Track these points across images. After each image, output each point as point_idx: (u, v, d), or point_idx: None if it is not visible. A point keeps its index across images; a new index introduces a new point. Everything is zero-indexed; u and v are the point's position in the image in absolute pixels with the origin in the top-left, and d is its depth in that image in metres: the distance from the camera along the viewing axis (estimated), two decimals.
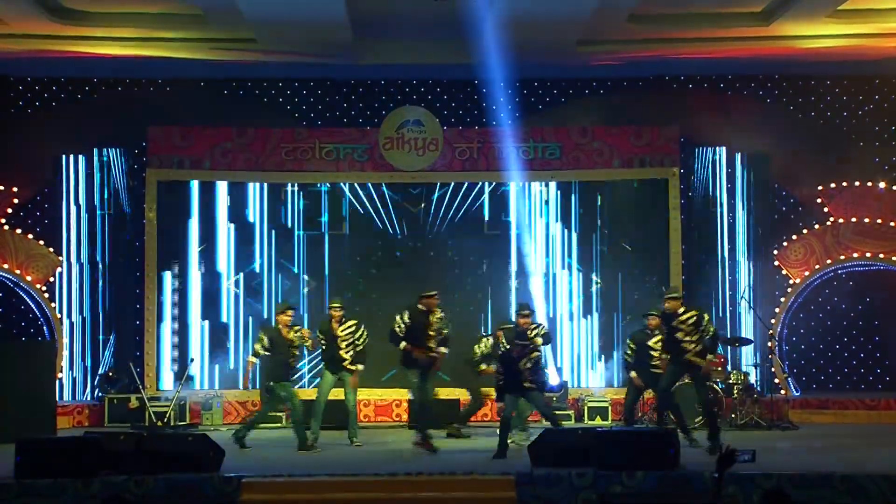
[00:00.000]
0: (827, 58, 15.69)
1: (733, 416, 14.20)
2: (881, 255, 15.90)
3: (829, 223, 16.13)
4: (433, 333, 12.47)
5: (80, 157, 16.06)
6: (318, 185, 16.15)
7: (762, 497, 6.97)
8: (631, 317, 15.29)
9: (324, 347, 13.03)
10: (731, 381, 14.42)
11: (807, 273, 16.05)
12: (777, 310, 16.02)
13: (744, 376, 14.44)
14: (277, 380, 12.64)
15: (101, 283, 16.11)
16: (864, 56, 15.64)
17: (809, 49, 15.29)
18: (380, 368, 14.77)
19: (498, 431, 11.95)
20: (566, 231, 16.11)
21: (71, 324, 15.90)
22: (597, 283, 15.94)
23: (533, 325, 12.49)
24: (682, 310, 12.19)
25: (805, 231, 16.24)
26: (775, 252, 16.13)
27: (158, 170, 16.05)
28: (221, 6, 13.54)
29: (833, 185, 16.17)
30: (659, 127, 16.22)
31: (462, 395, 14.95)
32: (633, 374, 13.26)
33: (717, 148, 16.39)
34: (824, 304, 16.70)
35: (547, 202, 16.15)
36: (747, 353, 15.54)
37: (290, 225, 16.11)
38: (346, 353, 12.98)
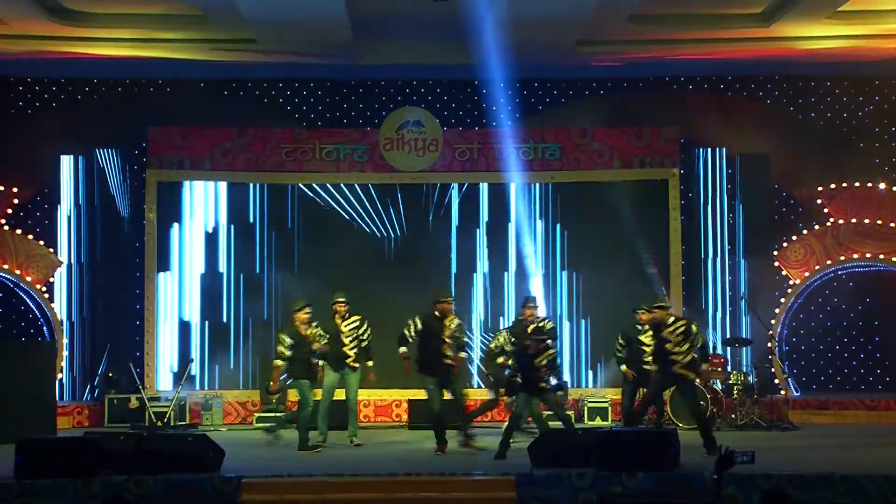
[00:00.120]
0: (827, 59, 15.70)
1: (733, 416, 14.20)
2: (881, 256, 15.89)
3: (829, 224, 16.13)
4: (448, 340, 12.22)
5: (80, 157, 16.05)
6: (317, 185, 16.17)
7: (762, 497, 6.97)
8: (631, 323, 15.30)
9: (326, 344, 13.03)
10: (731, 382, 14.43)
11: (807, 274, 16.05)
12: (777, 310, 16.02)
13: (744, 377, 14.44)
14: (300, 377, 12.63)
15: (100, 283, 16.10)
16: (864, 57, 15.65)
17: (809, 50, 15.29)
18: (378, 369, 14.73)
19: (503, 429, 11.93)
20: (566, 231, 16.09)
21: (71, 324, 15.89)
22: (596, 282, 15.93)
23: (539, 319, 12.48)
24: (671, 320, 12.20)
25: (805, 232, 16.24)
26: (775, 252, 16.13)
27: (158, 170, 16.05)
28: (221, 7, 13.54)
29: (833, 185, 16.18)
30: (659, 128, 16.21)
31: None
32: (624, 367, 13.26)
33: (718, 148, 16.40)
34: (824, 305, 16.71)
35: (546, 202, 16.14)
36: (748, 354, 15.51)
37: (289, 225, 16.11)
38: (349, 349, 12.96)
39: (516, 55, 15.23)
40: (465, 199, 16.16)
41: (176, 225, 16.07)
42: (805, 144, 16.58)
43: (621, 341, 13.38)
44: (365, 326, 13.14)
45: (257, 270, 16.01)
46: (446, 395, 12.29)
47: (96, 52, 15.26)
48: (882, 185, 16.18)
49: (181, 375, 15.24)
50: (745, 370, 14.87)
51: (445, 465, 10.99)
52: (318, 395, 12.90)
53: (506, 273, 16.05)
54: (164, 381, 15.79)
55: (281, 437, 12.87)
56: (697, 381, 12.42)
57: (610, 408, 15.03)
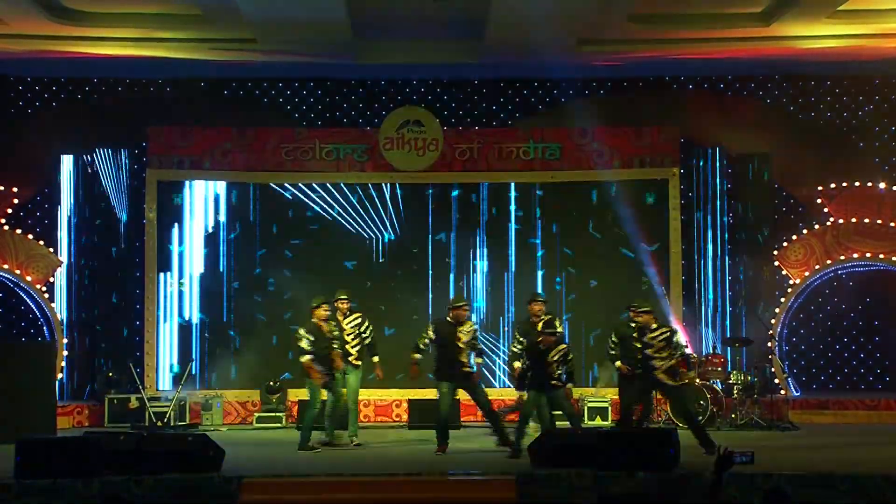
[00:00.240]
0: (827, 58, 15.70)
1: (733, 416, 14.20)
2: (881, 256, 15.90)
3: (829, 223, 16.13)
4: (463, 346, 12.14)
5: (80, 157, 16.04)
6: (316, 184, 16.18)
7: (763, 498, 6.97)
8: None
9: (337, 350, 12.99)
10: (731, 382, 14.43)
11: (807, 273, 16.05)
12: (777, 310, 16.01)
13: (744, 376, 14.44)
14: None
15: (100, 283, 16.10)
16: (864, 56, 15.65)
17: (809, 49, 15.29)
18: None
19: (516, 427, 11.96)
20: (566, 231, 16.08)
21: (71, 324, 15.88)
22: (595, 283, 15.93)
23: (547, 315, 12.50)
24: (655, 325, 12.23)
25: (805, 231, 16.24)
26: (775, 252, 16.13)
27: (158, 170, 16.05)
28: (221, 6, 13.54)
29: (833, 185, 16.17)
30: (659, 127, 16.21)
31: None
32: (618, 363, 13.21)
33: (718, 148, 16.40)
34: (824, 305, 16.71)
35: (546, 202, 16.15)
36: (749, 354, 15.51)
37: (288, 225, 16.11)
38: (351, 347, 12.97)
39: (516, 55, 15.27)
40: (465, 198, 16.15)
41: (176, 225, 16.05)
42: (805, 144, 16.58)
43: (615, 339, 13.36)
44: (367, 324, 13.15)
45: (257, 270, 16.00)
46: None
47: (96, 51, 15.25)
48: (882, 185, 16.18)
49: (181, 375, 15.24)
50: (744, 370, 14.83)
51: (445, 465, 10.99)
52: (324, 395, 12.87)
53: (506, 273, 16.04)
54: (164, 381, 15.78)
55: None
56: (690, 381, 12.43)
57: (610, 408, 15.02)
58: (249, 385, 15.70)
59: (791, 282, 16.12)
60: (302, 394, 15.22)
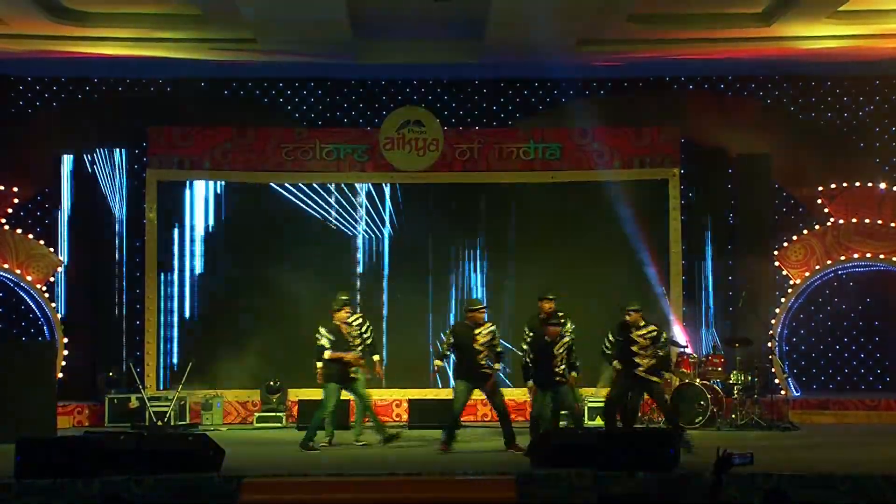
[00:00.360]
0: (827, 58, 15.70)
1: (733, 416, 14.20)
2: (881, 256, 15.90)
3: (829, 223, 16.13)
4: (481, 348, 12.16)
5: (80, 156, 16.05)
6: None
7: (763, 498, 6.97)
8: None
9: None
10: (731, 382, 14.42)
11: (807, 273, 16.05)
12: (777, 310, 16.02)
13: (745, 376, 14.43)
14: (330, 380, 12.61)
15: (100, 282, 16.10)
16: (864, 56, 15.65)
17: (810, 50, 15.29)
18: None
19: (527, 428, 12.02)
20: (565, 230, 16.09)
21: (71, 323, 15.87)
22: (595, 282, 15.93)
23: (558, 313, 12.53)
24: (642, 323, 12.25)
25: (805, 231, 16.24)
26: (775, 252, 16.13)
27: (158, 170, 16.05)
28: (221, 6, 13.54)
29: (833, 185, 16.18)
30: (659, 127, 16.21)
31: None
32: (615, 363, 13.07)
33: (718, 148, 16.40)
34: (824, 305, 16.71)
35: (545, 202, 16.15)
36: (750, 354, 15.49)
37: (289, 225, 16.12)
38: (355, 347, 12.97)
39: (516, 55, 15.27)
40: (466, 198, 16.15)
41: (176, 225, 16.05)
42: (805, 144, 16.59)
43: (611, 339, 13.32)
44: (367, 324, 13.16)
45: (257, 270, 15.99)
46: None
47: (96, 51, 15.26)
48: (882, 185, 16.18)
49: (181, 375, 15.22)
50: (744, 370, 14.81)
51: (445, 465, 10.99)
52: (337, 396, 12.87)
53: (506, 273, 16.03)
54: (164, 381, 15.77)
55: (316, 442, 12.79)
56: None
57: None
58: (250, 385, 15.69)
59: (791, 282, 16.12)
60: (302, 394, 15.33)
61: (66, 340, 15.69)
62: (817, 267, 16.02)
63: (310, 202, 16.12)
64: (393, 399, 15.63)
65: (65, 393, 15.04)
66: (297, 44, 14.93)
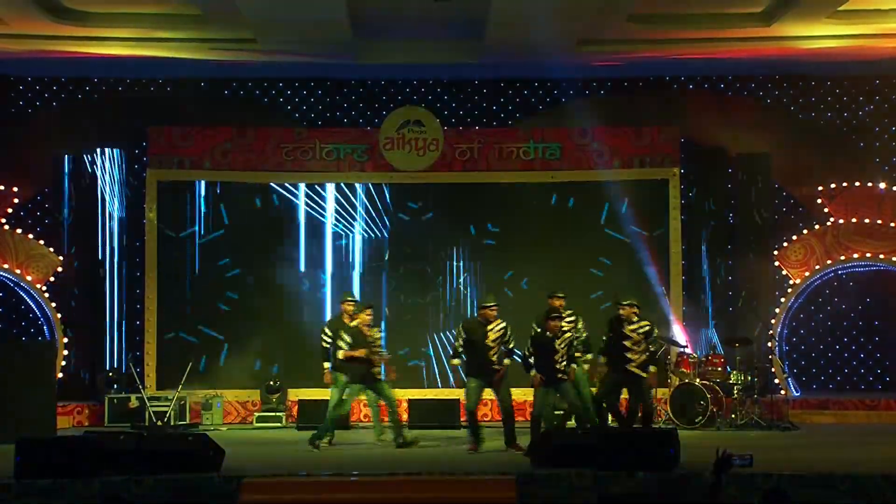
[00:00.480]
0: (827, 58, 15.70)
1: (733, 416, 14.20)
2: (881, 256, 15.90)
3: (829, 223, 16.13)
4: (492, 345, 12.16)
5: (80, 156, 16.05)
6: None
7: (762, 498, 6.97)
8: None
9: (330, 345, 12.97)
10: (731, 381, 14.42)
11: (807, 273, 16.05)
12: (777, 310, 16.02)
13: (745, 376, 14.43)
14: (353, 381, 12.61)
15: (101, 282, 16.11)
16: (864, 56, 15.65)
17: (810, 49, 15.30)
18: None
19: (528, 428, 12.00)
20: (565, 230, 16.09)
21: (71, 323, 15.87)
22: (595, 282, 15.94)
23: (568, 312, 12.54)
24: (635, 319, 12.24)
25: (805, 231, 16.24)
26: (775, 252, 16.13)
27: (158, 170, 16.05)
28: (221, 6, 13.54)
29: (833, 185, 16.18)
30: (659, 127, 16.21)
31: (461, 395, 14.97)
32: (602, 359, 12.85)
33: (717, 148, 16.40)
34: (824, 305, 16.72)
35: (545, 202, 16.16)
36: (751, 354, 15.49)
37: (288, 225, 16.12)
38: None
39: (516, 55, 15.26)
40: (466, 198, 16.15)
41: (176, 224, 16.04)
42: (805, 144, 16.59)
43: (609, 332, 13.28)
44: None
45: (257, 270, 15.99)
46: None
47: (96, 51, 15.26)
48: (882, 185, 16.18)
49: (181, 375, 15.19)
50: (744, 370, 14.81)
51: (445, 464, 10.99)
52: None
53: (506, 273, 16.03)
54: (164, 381, 15.74)
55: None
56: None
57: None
58: (250, 385, 15.70)
59: (791, 282, 16.12)
60: (302, 394, 15.33)
61: (66, 340, 15.70)
62: (817, 267, 16.03)
63: (310, 202, 16.11)
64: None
65: (65, 393, 15.05)
66: (297, 44, 14.93)
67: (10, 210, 15.93)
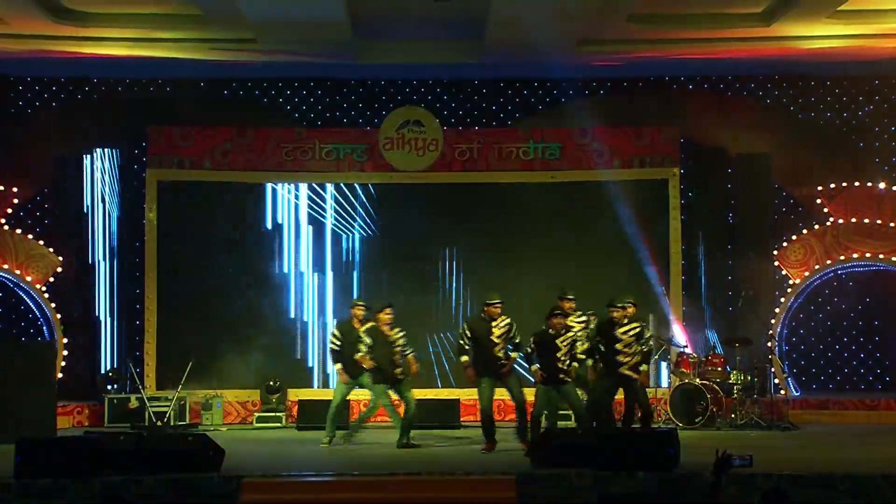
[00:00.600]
0: (827, 58, 15.70)
1: (733, 416, 14.20)
2: (881, 256, 15.90)
3: (829, 223, 16.13)
4: (498, 341, 12.16)
5: (80, 156, 16.04)
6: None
7: (762, 497, 6.97)
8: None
9: (340, 348, 12.95)
10: (730, 381, 14.42)
11: (807, 273, 16.05)
12: (777, 310, 16.02)
13: (745, 376, 14.43)
14: (377, 381, 12.65)
15: (100, 282, 16.10)
16: (864, 56, 15.65)
17: (810, 49, 15.30)
18: None
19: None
20: (565, 230, 16.09)
21: (71, 323, 15.87)
22: (595, 282, 15.94)
23: (577, 312, 12.51)
24: (625, 321, 12.22)
25: (805, 231, 16.24)
26: (775, 252, 16.13)
27: (158, 170, 16.04)
28: (221, 6, 13.54)
29: (833, 185, 16.18)
30: (659, 127, 16.21)
31: (461, 395, 15.00)
32: (589, 362, 12.66)
33: (717, 148, 16.40)
34: (824, 305, 16.72)
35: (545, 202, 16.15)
36: (751, 354, 15.49)
37: (288, 225, 16.12)
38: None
39: (516, 55, 15.26)
40: (465, 198, 16.15)
41: (176, 224, 16.04)
42: (805, 144, 16.59)
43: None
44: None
45: (257, 269, 16.00)
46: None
47: (96, 51, 15.26)
48: (882, 185, 16.18)
49: (181, 375, 15.19)
50: (744, 370, 14.80)
51: (445, 464, 11.00)
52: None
53: (505, 274, 16.02)
54: (164, 381, 15.74)
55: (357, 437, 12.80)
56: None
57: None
58: (250, 385, 15.70)
59: (791, 282, 16.12)
60: (302, 394, 15.33)
61: (66, 340, 15.69)
62: (817, 267, 16.03)
63: (310, 202, 16.11)
64: (393, 399, 15.58)
65: (64, 393, 15.06)
66: (297, 44, 14.93)
67: (10, 210, 15.93)
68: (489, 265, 16.01)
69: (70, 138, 16.15)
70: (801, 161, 16.50)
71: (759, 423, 14.08)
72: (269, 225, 16.08)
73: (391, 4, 14.08)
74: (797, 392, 15.85)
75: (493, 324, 12.24)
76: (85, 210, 16.05)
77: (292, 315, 15.90)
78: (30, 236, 15.81)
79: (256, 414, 15.34)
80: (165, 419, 14.55)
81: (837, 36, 14.79)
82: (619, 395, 12.48)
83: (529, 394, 12.32)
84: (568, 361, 11.99)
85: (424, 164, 16.10)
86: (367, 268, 16.00)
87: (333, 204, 16.09)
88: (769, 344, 15.17)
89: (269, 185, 16.10)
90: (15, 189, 15.94)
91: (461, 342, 12.39)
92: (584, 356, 12.30)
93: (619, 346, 12.09)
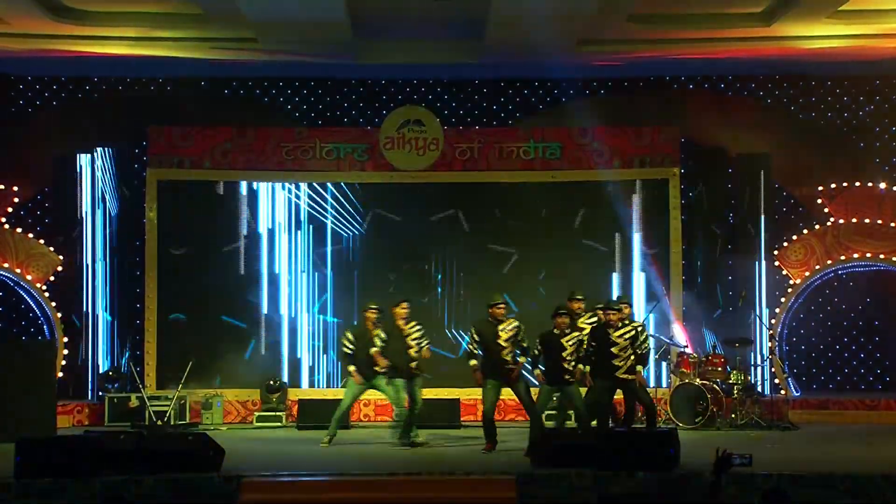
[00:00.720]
0: (827, 58, 15.70)
1: (733, 416, 14.20)
2: (881, 256, 15.90)
3: (829, 223, 16.13)
4: (504, 344, 12.11)
5: (80, 156, 16.04)
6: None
7: (762, 497, 6.97)
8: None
9: (353, 351, 12.92)
10: (731, 381, 14.42)
11: (807, 273, 16.06)
12: (777, 310, 16.02)
13: (744, 376, 14.43)
14: (393, 377, 12.66)
15: (100, 282, 16.10)
16: (865, 56, 15.65)
17: (810, 49, 15.30)
18: None
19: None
20: (565, 230, 16.09)
21: (71, 323, 15.87)
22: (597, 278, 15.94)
23: (588, 314, 12.49)
24: (620, 324, 12.20)
25: (805, 231, 16.24)
26: (775, 252, 16.13)
27: (158, 170, 16.04)
28: (221, 6, 13.54)
29: (833, 185, 16.18)
30: (659, 127, 16.21)
31: (462, 395, 14.99)
32: (586, 368, 12.44)
33: (718, 148, 16.39)
34: (824, 305, 16.72)
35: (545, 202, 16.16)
36: (749, 354, 15.49)
37: (288, 224, 16.12)
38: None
39: (516, 55, 15.26)
40: (466, 197, 16.15)
41: (176, 224, 16.03)
42: (805, 144, 16.58)
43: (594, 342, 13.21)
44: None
45: (258, 269, 16.00)
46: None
47: (97, 50, 15.26)
48: (882, 185, 16.18)
49: (181, 375, 15.19)
50: (744, 370, 14.81)
51: (445, 464, 11.00)
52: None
53: (505, 273, 16.03)
54: (164, 380, 15.74)
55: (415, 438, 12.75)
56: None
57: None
58: (250, 385, 15.70)
59: (791, 282, 16.12)
60: (301, 393, 15.33)
61: (66, 340, 15.69)
62: (817, 267, 16.03)
63: (310, 202, 16.11)
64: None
65: (64, 392, 15.05)
66: (298, 43, 14.93)
67: (10, 210, 15.93)
68: (489, 265, 16.00)
69: (70, 138, 16.15)
70: (801, 161, 16.49)
71: (759, 422, 14.08)
72: (269, 224, 16.08)
73: (391, 4, 14.08)
74: (797, 392, 15.85)
75: (500, 327, 12.18)
76: (85, 210, 16.03)
77: (292, 314, 15.90)
78: (30, 236, 15.81)
79: (256, 413, 15.33)
80: (165, 418, 14.55)
81: (838, 36, 14.79)
82: (619, 395, 12.49)
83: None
84: (573, 362, 11.97)
85: (425, 163, 16.10)
86: (367, 267, 15.99)
87: (333, 203, 16.09)
88: (769, 344, 15.18)
89: (269, 185, 16.10)
90: (15, 189, 15.95)
91: (469, 346, 12.36)
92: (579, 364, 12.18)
93: (614, 349, 12.05)
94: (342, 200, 16.09)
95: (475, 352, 12.25)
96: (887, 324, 16.65)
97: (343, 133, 16.34)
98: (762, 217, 16.15)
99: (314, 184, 16.11)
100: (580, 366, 12.12)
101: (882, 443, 12.61)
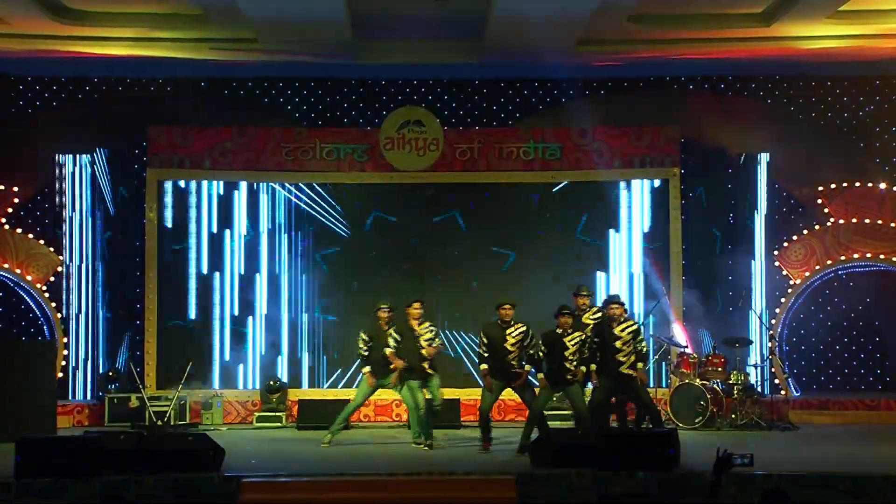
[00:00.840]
0: (827, 58, 15.70)
1: (733, 416, 14.20)
2: (881, 256, 15.90)
3: (829, 224, 16.13)
4: (511, 348, 12.09)
5: (80, 156, 16.04)
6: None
7: (762, 497, 6.97)
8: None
9: (368, 352, 12.88)
10: (731, 382, 14.42)
11: (807, 273, 16.06)
12: (777, 310, 16.02)
13: (744, 376, 14.44)
14: (407, 378, 12.63)
15: (100, 282, 16.10)
16: (865, 57, 15.65)
17: (810, 50, 15.30)
18: None
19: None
20: (564, 230, 16.09)
21: (71, 323, 15.87)
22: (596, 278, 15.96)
23: (594, 309, 12.46)
24: (621, 319, 12.19)
25: (805, 231, 16.24)
26: (775, 252, 16.13)
27: (158, 170, 16.04)
28: (221, 6, 13.54)
29: (833, 185, 16.18)
30: (659, 127, 16.21)
31: (462, 395, 15.00)
32: (592, 367, 12.43)
33: (718, 148, 16.40)
34: (824, 305, 16.72)
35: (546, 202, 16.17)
36: (748, 354, 15.49)
37: (288, 225, 16.13)
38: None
39: (516, 55, 15.26)
40: (466, 198, 16.15)
41: (176, 224, 16.04)
42: (805, 144, 16.55)
43: (596, 339, 13.18)
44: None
45: (258, 269, 16.00)
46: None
47: (97, 51, 15.26)
48: (882, 185, 16.19)
49: (181, 375, 15.20)
50: (745, 371, 14.81)
51: (445, 465, 11.00)
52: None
53: (506, 272, 16.03)
54: (163, 380, 15.74)
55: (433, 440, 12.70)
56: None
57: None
58: (250, 385, 15.70)
59: (791, 282, 16.12)
60: (302, 394, 15.34)
61: (66, 340, 15.70)
62: (817, 267, 16.03)
63: (310, 202, 16.11)
64: (393, 399, 15.58)
65: (64, 393, 15.04)
66: (297, 44, 14.93)
67: (10, 210, 15.93)
68: (489, 265, 15.99)
69: (70, 138, 16.13)
70: (801, 161, 16.48)
71: (759, 423, 14.09)
72: (269, 224, 16.08)
73: (391, 4, 14.08)
74: (797, 392, 15.86)
75: (508, 331, 12.14)
76: (85, 209, 16.03)
77: (292, 314, 15.91)
78: (30, 236, 15.81)
79: (256, 414, 15.33)
80: (165, 419, 14.55)
81: (838, 36, 14.78)
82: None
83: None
84: (576, 362, 11.95)
85: (425, 163, 16.10)
86: (368, 267, 15.98)
87: (334, 204, 16.08)
88: (769, 344, 15.18)
89: (269, 185, 16.10)
90: (15, 189, 15.95)
91: (480, 349, 12.33)
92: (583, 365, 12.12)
93: (618, 343, 12.03)
94: (342, 201, 16.10)
95: (485, 355, 12.21)
96: (887, 324, 16.64)
97: (343, 133, 16.34)
98: (762, 217, 16.17)
99: (314, 184, 16.12)
100: (582, 367, 12.11)
101: (882, 443, 12.61)
